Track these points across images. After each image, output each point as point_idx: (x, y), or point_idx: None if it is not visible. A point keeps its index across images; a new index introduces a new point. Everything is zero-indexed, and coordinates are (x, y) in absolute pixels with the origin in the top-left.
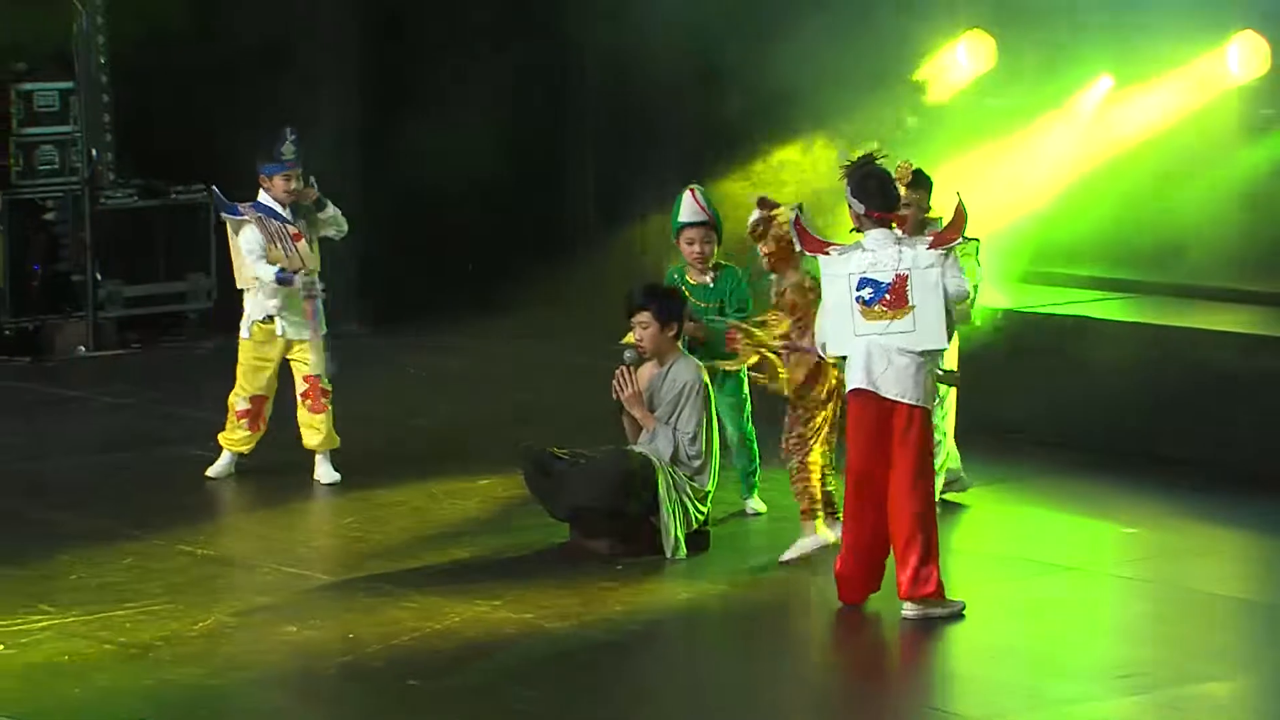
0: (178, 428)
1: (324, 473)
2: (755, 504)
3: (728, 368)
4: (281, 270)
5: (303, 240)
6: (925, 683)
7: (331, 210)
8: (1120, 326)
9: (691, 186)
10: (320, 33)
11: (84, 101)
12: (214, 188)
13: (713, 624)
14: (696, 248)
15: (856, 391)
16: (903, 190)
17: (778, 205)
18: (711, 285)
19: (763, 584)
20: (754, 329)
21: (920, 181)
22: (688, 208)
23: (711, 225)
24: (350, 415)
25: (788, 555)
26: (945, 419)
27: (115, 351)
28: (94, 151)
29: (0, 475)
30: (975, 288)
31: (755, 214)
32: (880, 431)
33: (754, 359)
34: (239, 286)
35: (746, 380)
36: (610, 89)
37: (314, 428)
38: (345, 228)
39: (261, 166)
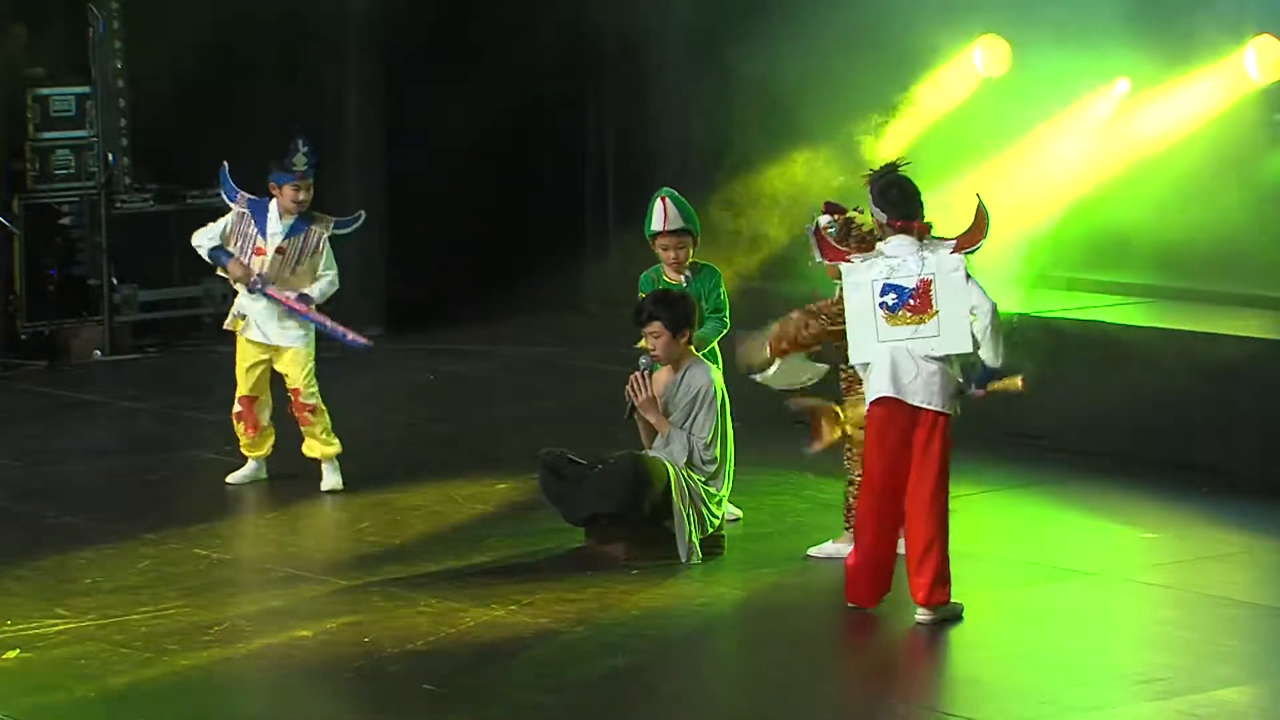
0: (193, 432)
1: (327, 480)
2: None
3: (816, 448)
4: (219, 249)
5: (266, 255)
6: (943, 688)
7: (325, 269)
8: (1138, 331)
9: (663, 194)
10: (334, 39)
11: (100, 106)
12: (225, 164)
13: (728, 628)
14: (672, 253)
15: (881, 400)
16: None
17: (844, 207)
18: (687, 285)
19: (778, 588)
20: (816, 404)
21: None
22: (659, 216)
23: (686, 231)
24: (367, 420)
25: (815, 552)
26: None
27: (131, 356)
28: (110, 156)
29: (16, 479)
30: None
31: (824, 219)
32: (903, 439)
33: (837, 433)
34: (193, 244)
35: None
36: (627, 93)
37: (306, 440)
38: (328, 292)
39: (272, 174)
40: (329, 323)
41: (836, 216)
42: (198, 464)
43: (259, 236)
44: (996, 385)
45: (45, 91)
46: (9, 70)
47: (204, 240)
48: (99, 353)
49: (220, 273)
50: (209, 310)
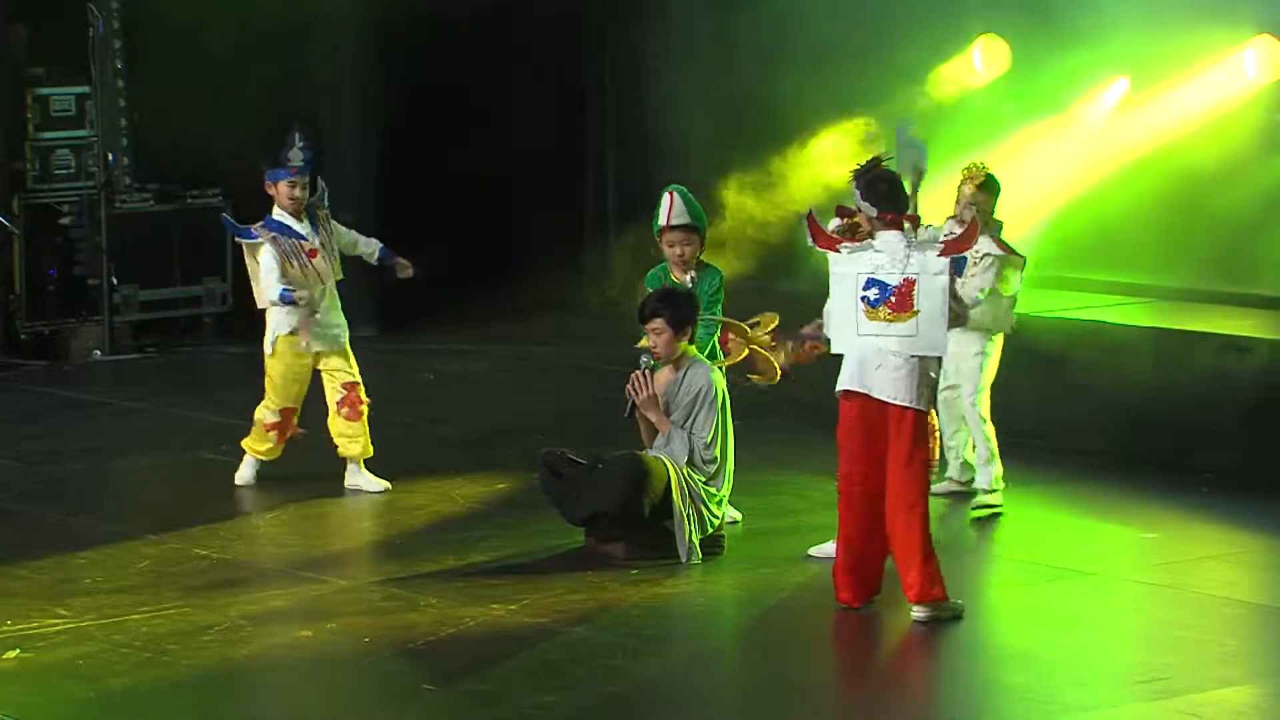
0: (193, 432)
1: (365, 481)
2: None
3: (721, 365)
4: (286, 290)
5: (319, 256)
6: (942, 688)
7: (349, 235)
8: (1137, 331)
9: (671, 189)
10: (332, 38)
11: (100, 106)
12: (225, 216)
13: (728, 628)
14: (678, 249)
15: (847, 393)
16: (970, 189)
17: (855, 212)
18: (692, 284)
19: (778, 588)
20: (746, 327)
21: (989, 185)
22: (665, 210)
23: (693, 228)
24: (368, 420)
25: (816, 551)
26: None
27: (130, 356)
28: (110, 155)
29: (17, 479)
30: (1014, 298)
31: (835, 222)
32: (871, 433)
33: (744, 354)
34: (260, 307)
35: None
36: (627, 92)
37: (351, 436)
38: (372, 247)
39: (267, 171)
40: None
41: (846, 220)
42: (197, 464)
43: (300, 241)
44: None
45: (45, 91)
46: (9, 70)
47: (271, 294)
48: (99, 353)
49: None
50: (209, 310)
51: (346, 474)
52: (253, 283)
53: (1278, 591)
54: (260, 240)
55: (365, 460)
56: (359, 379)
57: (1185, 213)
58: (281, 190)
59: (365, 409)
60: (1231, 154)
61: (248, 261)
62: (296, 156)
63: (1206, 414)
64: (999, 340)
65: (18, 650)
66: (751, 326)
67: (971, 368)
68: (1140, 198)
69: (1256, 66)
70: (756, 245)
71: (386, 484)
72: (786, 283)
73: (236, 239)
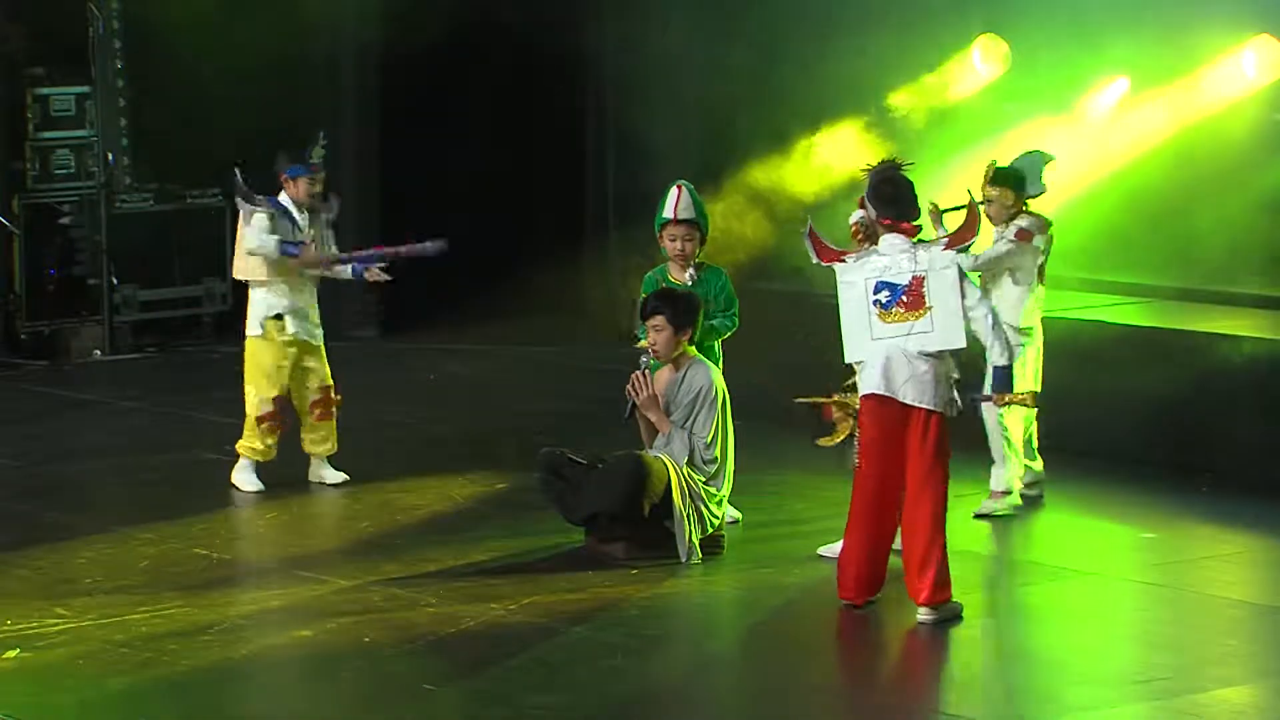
0: (193, 431)
1: (328, 474)
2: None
3: (824, 444)
4: (285, 243)
5: (312, 247)
6: (942, 687)
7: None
8: (1136, 331)
9: (679, 183)
10: (337, 38)
11: (100, 105)
12: (237, 170)
13: (728, 628)
14: (679, 245)
15: (871, 395)
16: (985, 187)
17: None
18: (692, 284)
19: (777, 588)
20: (847, 398)
21: (998, 178)
22: (671, 203)
23: (696, 224)
24: (366, 420)
25: (825, 551)
26: (1008, 422)
27: (130, 355)
28: (110, 155)
29: (17, 478)
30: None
31: (858, 213)
32: (895, 436)
33: (849, 429)
34: (235, 277)
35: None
36: (627, 92)
37: (318, 435)
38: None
39: (286, 168)
40: (402, 249)
41: (867, 214)
42: (197, 463)
43: (296, 230)
44: (1010, 398)
45: (45, 91)
46: (9, 70)
47: (265, 240)
48: (98, 352)
49: (293, 264)
50: (208, 310)
51: (310, 468)
52: (237, 253)
53: (1278, 591)
54: (260, 209)
55: (345, 454)
56: (331, 381)
57: (1185, 212)
58: (300, 186)
59: (336, 409)
60: (1231, 154)
61: (240, 228)
62: (318, 154)
63: (1207, 414)
64: (1036, 337)
65: (18, 650)
66: (848, 392)
67: None
68: (1140, 197)
69: (1256, 66)
70: (753, 243)
71: (344, 475)
72: (784, 283)
73: (238, 199)
